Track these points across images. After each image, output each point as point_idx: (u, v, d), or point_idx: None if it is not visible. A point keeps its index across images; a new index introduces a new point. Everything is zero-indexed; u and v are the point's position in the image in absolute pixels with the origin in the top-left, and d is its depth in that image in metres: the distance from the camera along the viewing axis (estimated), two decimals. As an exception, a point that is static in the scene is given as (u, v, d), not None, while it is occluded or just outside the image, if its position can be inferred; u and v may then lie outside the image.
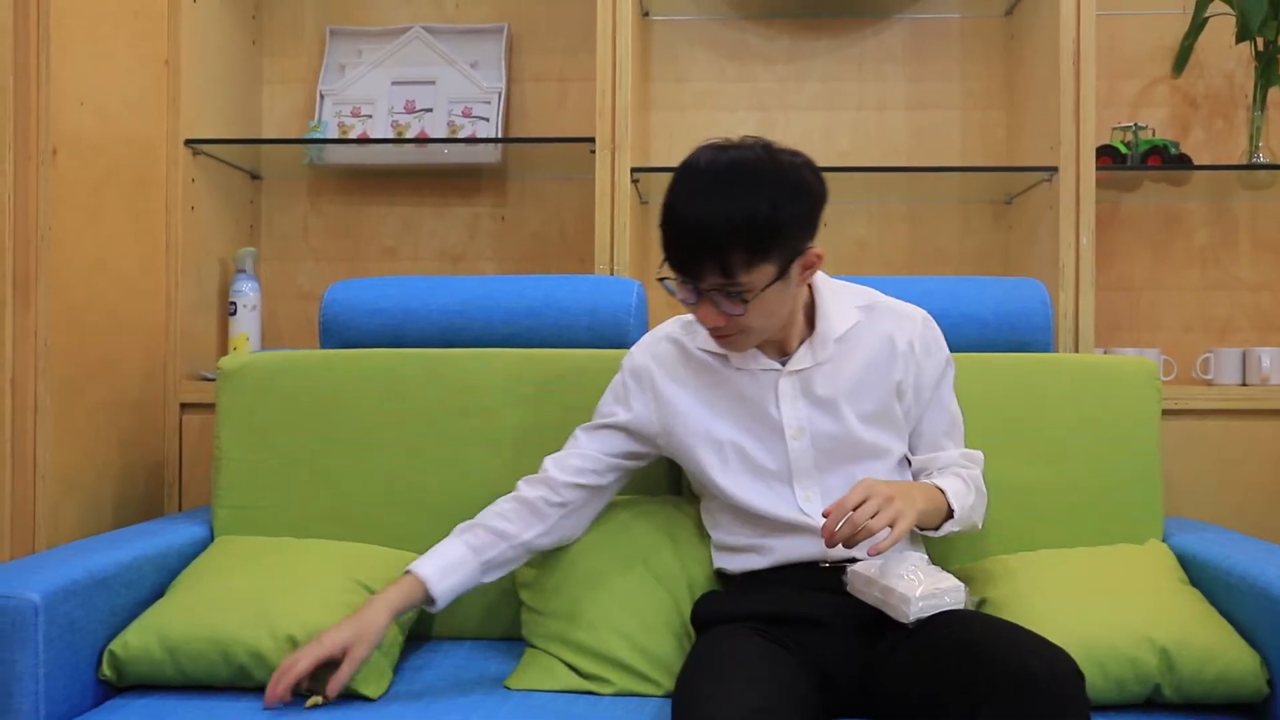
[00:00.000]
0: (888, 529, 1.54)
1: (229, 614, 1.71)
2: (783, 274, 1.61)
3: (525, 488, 1.81)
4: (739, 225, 1.55)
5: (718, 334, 1.69)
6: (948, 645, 1.50)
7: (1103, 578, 1.80)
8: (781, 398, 1.76)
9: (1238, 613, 1.72)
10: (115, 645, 1.70)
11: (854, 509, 1.54)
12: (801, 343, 1.77)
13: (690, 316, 1.84)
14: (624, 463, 1.85)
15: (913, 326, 1.82)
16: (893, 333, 1.80)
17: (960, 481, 1.76)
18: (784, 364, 1.77)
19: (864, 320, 1.80)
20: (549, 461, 1.83)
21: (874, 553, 1.54)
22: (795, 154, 1.65)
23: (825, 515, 1.55)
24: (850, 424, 1.75)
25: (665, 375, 1.82)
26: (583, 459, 1.82)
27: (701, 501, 1.89)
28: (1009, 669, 1.39)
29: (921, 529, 1.73)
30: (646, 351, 1.86)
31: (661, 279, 1.67)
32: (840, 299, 1.81)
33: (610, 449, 1.83)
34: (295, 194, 2.93)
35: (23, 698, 1.56)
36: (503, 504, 1.80)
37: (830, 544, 1.55)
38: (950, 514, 1.71)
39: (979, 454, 1.86)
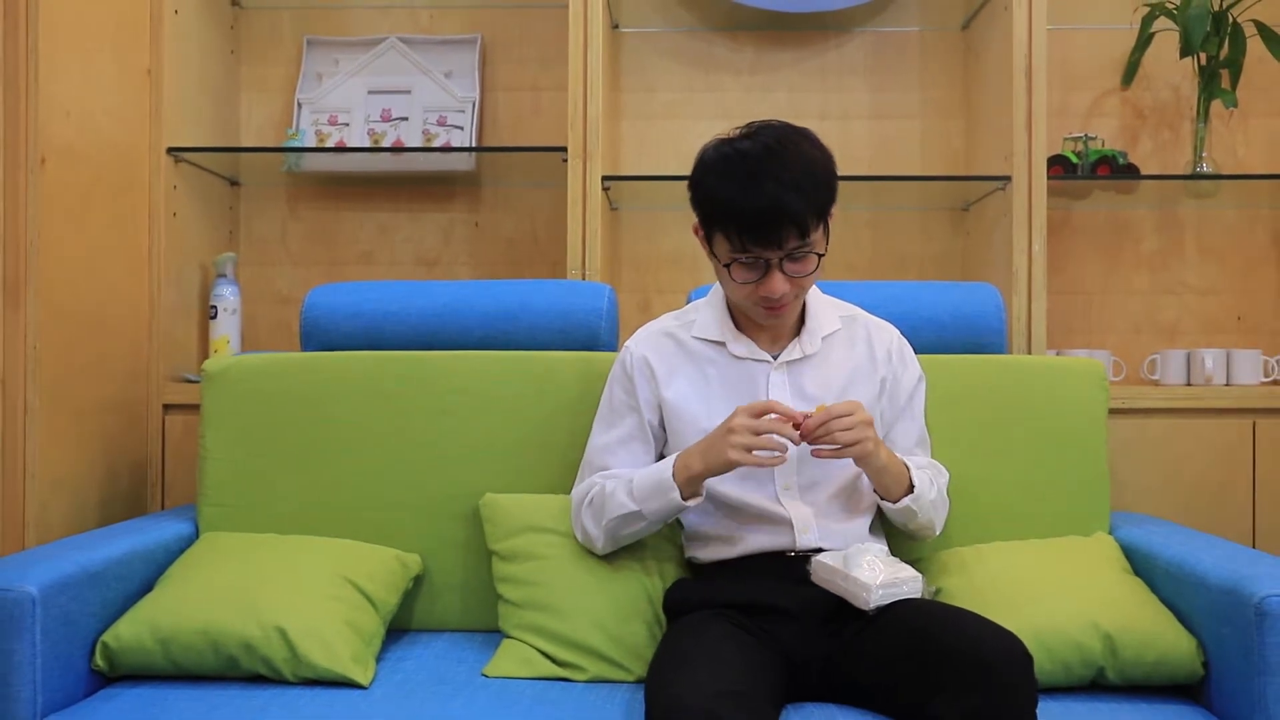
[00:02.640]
0: (843, 446, 1.70)
1: (218, 606, 1.77)
2: (826, 229, 1.77)
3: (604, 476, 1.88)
4: (805, 187, 1.69)
5: (780, 304, 1.78)
6: (906, 631, 1.59)
7: (1051, 568, 1.89)
8: (771, 388, 1.85)
9: (1177, 600, 1.81)
10: (108, 637, 1.75)
11: (836, 416, 1.70)
12: (793, 338, 1.88)
13: (681, 311, 1.98)
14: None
15: (890, 337, 1.95)
16: (873, 340, 1.93)
17: (927, 476, 1.86)
18: (776, 357, 1.86)
19: (844, 329, 1.92)
20: (598, 477, 1.89)
21: (816, 455, 1.71)
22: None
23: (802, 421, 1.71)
24: None
25: (664, 366, 1.90)
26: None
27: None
28: (963, 652, 1.48)
29: (882, 496, 1.82)
30: (643, 345, 1.93)
31: (727, 264, 1.76)
32: (825, 305, 1.93)
33: (644, 460, 1.90)
34: (274, 200, 2.98)
35: (20, 686, 1.62)
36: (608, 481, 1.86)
37: (802, 430, 1.70)
38: (911, 488, 1.81)
39: (945, 470, 1.96)
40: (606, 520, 1.82)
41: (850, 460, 1.81)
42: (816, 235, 1.73)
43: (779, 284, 1.74)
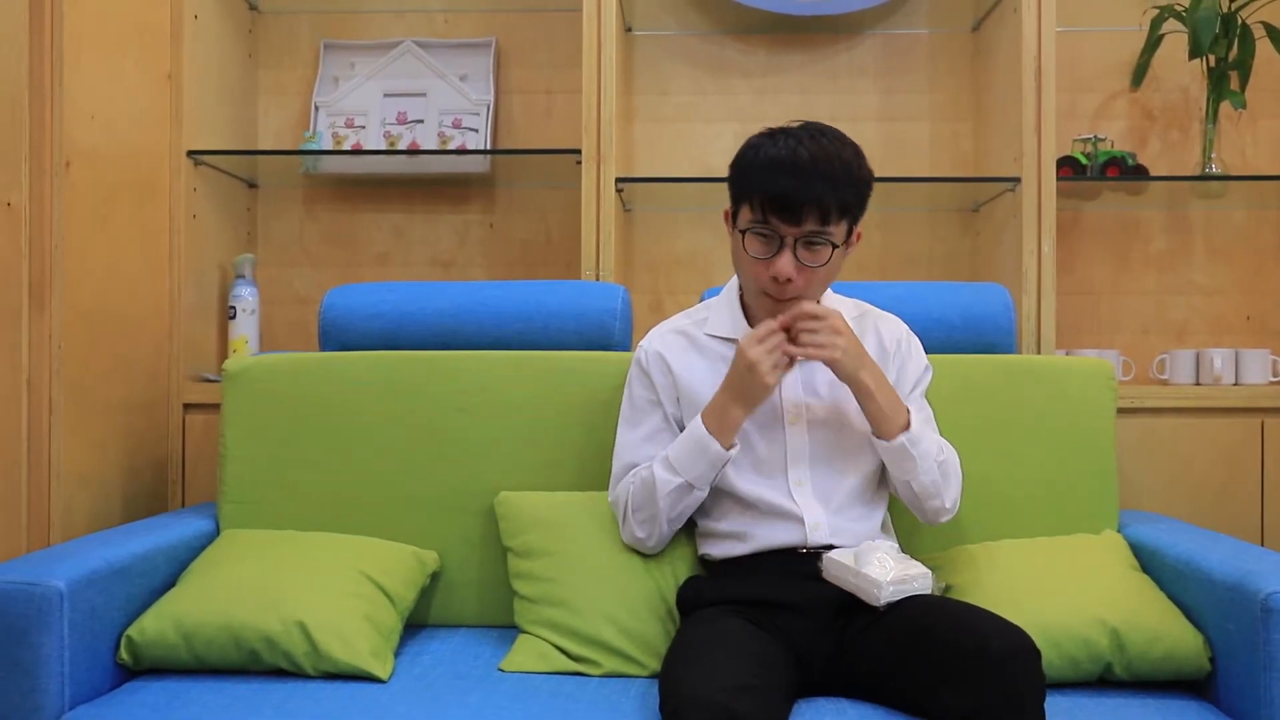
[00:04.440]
0: (812, 349, 1.76)
1: (240, 601, 1.80)
2: (848, 237, 1.80)
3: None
4: (838, 179, 1.74)
5: (785, 290, 1.79)
6: (914, 626, 1.61)
7: (1060, 565, 1.91)
8: (784, 385, 1.87)
9: (1184, 597, 1.83)
10: (132, 631, 1.79)
11: (811, 317, 1.76)
12: None
13: (692, 310, 2.00)
14: None
15: (899, 330, 1.98)
16: (882, 334, 1.95)
17: (934, 437, 1.87)
18: None
19: (855, 325, 1.93)
20: (629, 476, 1.91)
21: (786, 351, 1.75)
22: None
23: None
24: (847, 416, 1.87)
25: (679, 362, 1.93)
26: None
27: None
28: (971, 647, 1.50)
29: (876, 434, 1.82)
30: (656, 342, 1.96)
31: (744, 231, 1.79)
32: (836, 303, 1.96)
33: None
34: (291, 202, 3.01)
35: (49, 679, 1.65)
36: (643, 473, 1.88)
37: (780, 314, 1.78)
38: (908, 426, 1.81)
39: (956, 452, 1.94)
40: (659, 503, 1.83)
41: (860, 458, 1.86)
42: (836, 228, 1.76)
43: (787, 265, 1.76)
